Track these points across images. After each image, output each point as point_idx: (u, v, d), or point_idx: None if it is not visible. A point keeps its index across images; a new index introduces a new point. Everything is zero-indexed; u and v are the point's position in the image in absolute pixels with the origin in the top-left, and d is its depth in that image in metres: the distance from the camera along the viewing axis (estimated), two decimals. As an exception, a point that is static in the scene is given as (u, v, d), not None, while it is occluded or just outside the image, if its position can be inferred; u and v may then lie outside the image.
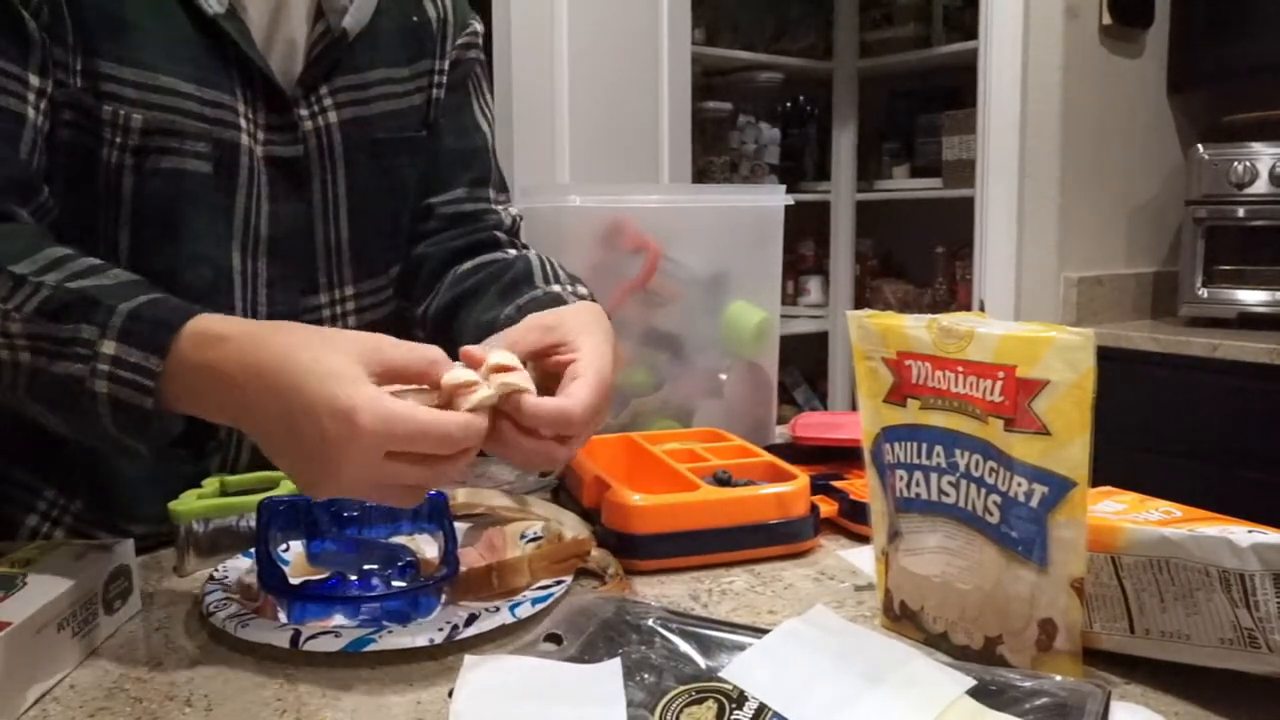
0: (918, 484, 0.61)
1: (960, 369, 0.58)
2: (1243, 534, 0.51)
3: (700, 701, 0.51)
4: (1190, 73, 2.50)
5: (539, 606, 0.65)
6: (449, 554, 0.69)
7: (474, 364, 0.61)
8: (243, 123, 0.80)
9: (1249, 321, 2.25)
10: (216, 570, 0.71)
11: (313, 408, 0.55)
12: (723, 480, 0.83)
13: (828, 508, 0.84)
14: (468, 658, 0.55)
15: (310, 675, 0.59)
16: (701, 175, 2.98)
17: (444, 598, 0.67)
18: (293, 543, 0.74)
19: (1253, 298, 2.26)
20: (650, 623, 0.59)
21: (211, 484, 0.79)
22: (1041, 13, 2.32)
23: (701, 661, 0.55)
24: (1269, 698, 0.53)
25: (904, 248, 3.38)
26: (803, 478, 0.82)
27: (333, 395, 0.54)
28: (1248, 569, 0.50)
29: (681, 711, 0.50)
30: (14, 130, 0.72)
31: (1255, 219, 2.24)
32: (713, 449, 0.93)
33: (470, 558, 0.73)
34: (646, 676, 0.54)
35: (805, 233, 3.37)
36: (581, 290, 0.84)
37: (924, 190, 3.05)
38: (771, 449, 0.94)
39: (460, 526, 0.78)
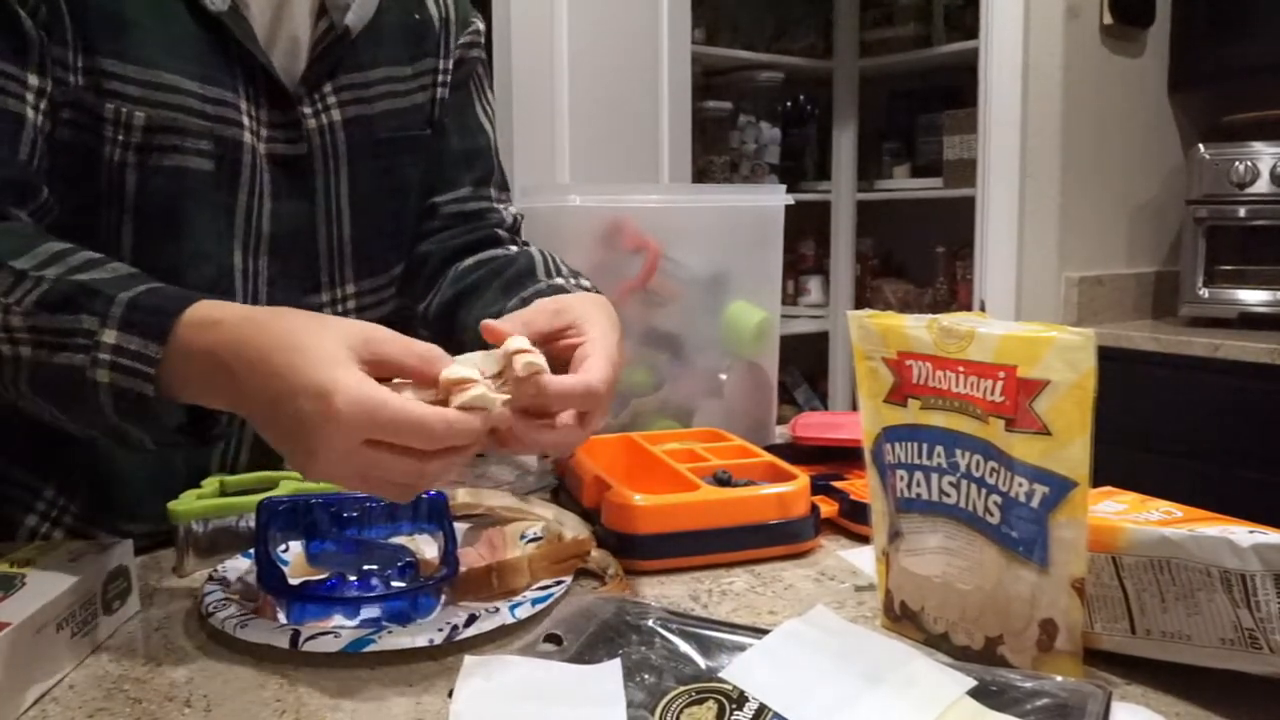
0: (918, 484, 0.61)
1: (961, 369, 0.57)
2: (1244, 534, 0.51)
3: (700, 702, 0.51)
4: (1191, 72, 2.50)
5: (539, 607, 0.65)
6: (449, 554, 0.69)
7: (495, 338, 0.61)
8: (245, 121, 0.80)
9: (1250, 321, 2.25)
10: (216, 570, 0.71)
11: (294, 389, 0.55)
12: (723, 480, 0.83)
13: (828, 508, 0.84)
14: (468, 658, 0.55)
15: (309, 676, 0.59)
16: (701, 175, 2.97)
17: (444, 598, 0.67)
18: (292, 543, 0.74)
19: (1254, 298, 2.26)
20: (650, 623, 0.59)
21: (211, 484, 0.79)
22: (1042, 12, 2.32)
23: (702, 662, 0.55)
24: (1270, 698, 0.53)
25: (904, 247, 3.38)
26: (803, 478, 0.82)
27: (314, 376, 0.54)
28: (1249, 569, 0.50)
29: (682, 712, 0.50)
30: (13, 131, 0.71)
31: (1256, 219, 2.24)
32: (713, 449, 0.93)
33: (470, 558, 0.73)
34: (646, 677, 0.53)
35: (805, 232, 3.37)
36: (584, 283, 0.84)
37: (924, 190, 3.05)
38: (772, 449, 0.94)
39: (460, 527, 0.78)
